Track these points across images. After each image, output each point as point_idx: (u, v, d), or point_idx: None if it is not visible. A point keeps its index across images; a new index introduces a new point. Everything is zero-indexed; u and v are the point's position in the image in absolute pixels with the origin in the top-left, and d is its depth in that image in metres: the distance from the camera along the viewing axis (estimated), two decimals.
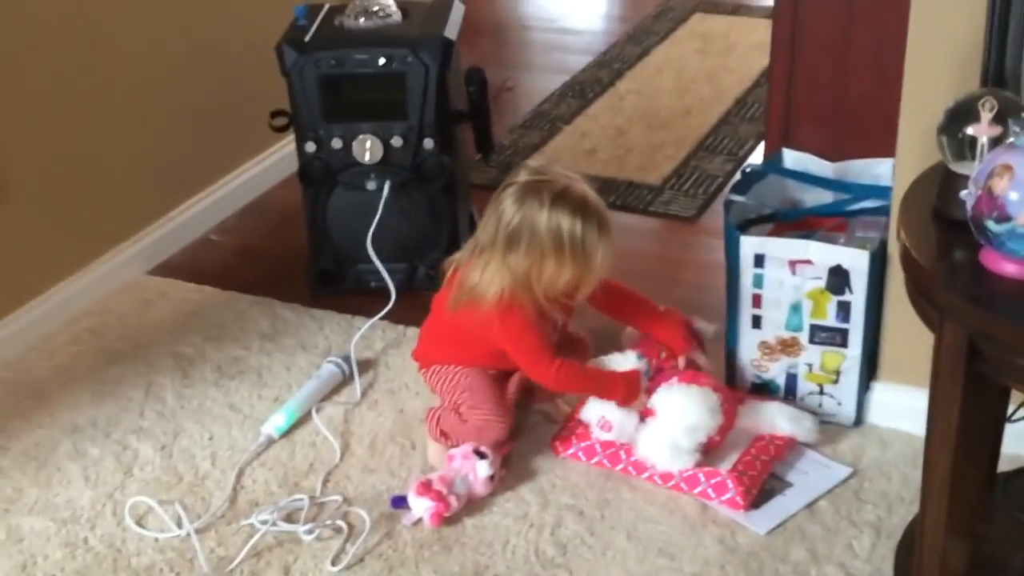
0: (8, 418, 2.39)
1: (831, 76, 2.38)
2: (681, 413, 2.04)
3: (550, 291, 2.08)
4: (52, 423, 2.37)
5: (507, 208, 2.05)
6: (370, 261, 2.64)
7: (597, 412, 2.13)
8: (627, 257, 2.90)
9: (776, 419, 2.15)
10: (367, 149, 2.62)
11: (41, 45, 2.54)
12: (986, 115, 1.59)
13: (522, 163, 2.34)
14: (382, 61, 2.59)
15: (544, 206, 2.02)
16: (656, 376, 2.13)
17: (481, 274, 2.08)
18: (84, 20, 2.63)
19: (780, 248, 2.14)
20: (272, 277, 2.84)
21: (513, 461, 2.18)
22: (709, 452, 2.09)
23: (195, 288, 2.81)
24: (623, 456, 2.14)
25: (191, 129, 2.97)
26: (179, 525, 2.09)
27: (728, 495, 2.03)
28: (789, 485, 2.08)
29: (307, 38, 2.63)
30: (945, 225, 1.63)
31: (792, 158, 2.37)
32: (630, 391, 2.11)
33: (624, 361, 2.17)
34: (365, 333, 2.55)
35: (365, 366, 2.49)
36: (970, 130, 1.62)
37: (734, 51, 4.00)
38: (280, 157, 3.20)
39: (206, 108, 3.00)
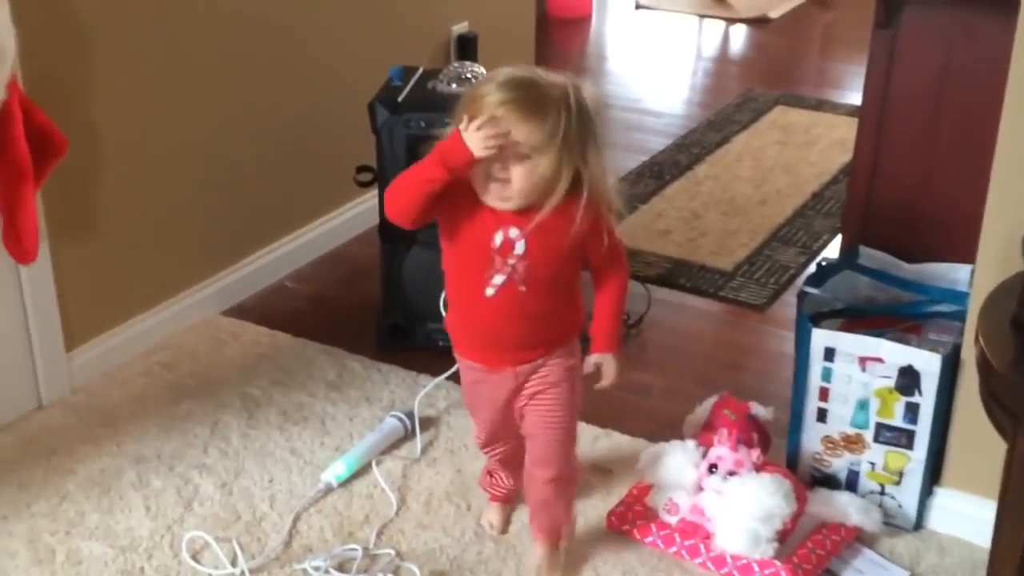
0: (78, 442, 2.44)
1: (914, 177, 2.39)
2: (757, 502, 2.03)
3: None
4: (119, 451, 2.42)
5: None
6: (440, 320, 2.68)
7: (663, 496, 2.13)
8: (693, 340, 2.93)
9: (847, 508, 2.14)
10: None
11: (139, 87, 2.64)
12: None
13: None
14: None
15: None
16: (719, 464, 2.13)
17: None
18: (180, 64, 2.73)
19: (852, 344, 2.15)
20: (342, 328, 2.89)
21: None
22: (784, 540, 2.07)
23: (267, 332, 2.87)
24: (677, 539, 2.13)
25: (277, 177, 3.06)
26: (233, 563, 2.12)
27: None
28: None
29: (400, 98, 2.70)
30: None
31: (868, 255, 2.38)
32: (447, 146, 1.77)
33: (682, 450, 2.17)
34: (430, 391, 2.58)
35: (427, 423, 2.52)
36: None
37: (815, 145, 4.03)
38: (360, 211, 3.27)
39: (293, 158, 3.08)
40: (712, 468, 2.12)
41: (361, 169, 2.80)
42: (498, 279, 1.84)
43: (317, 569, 2.09)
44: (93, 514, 2.24)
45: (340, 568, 2.11)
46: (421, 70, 2.84)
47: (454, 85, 2.74)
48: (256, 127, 2.97)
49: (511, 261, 1.83)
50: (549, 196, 1.78)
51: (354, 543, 2.17)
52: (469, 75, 2.75)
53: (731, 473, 2.10)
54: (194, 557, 2.13)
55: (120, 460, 2.39)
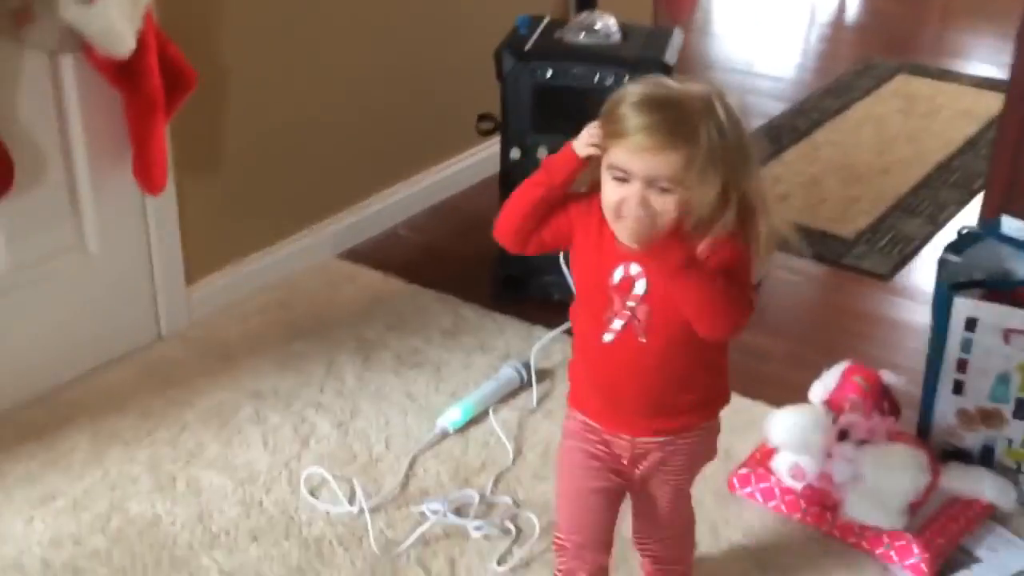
0: (196, 375, 2.46)
1: None
2: (890, 472, 1.97)
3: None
4: (236, 386, 2.43)
5: None
6: (556, 273, 2.64)
7: (788, 460, 2.08)
8: (814, 307, 2.86)
9: (980, 484, 2.07)
10: None
11: (268, 25, 2.62)
12: None
13: None
14: (598, 77, 2.59)
15: None
16: (851, 431, 2.07)
17: None
18: (310, 3, 2.71)
19: (997, 314, 2.06)
20: (457, 276, 2.86)
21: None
22: (915, 512, 2.01)
23: (381, 277, 2.86)
24: (802, 504, 2.08)
25: (398, 122, 3.03)
26: (351, 502, 2.11)
27: (913, 560, 1.95)
28: (977, 560, 1.99)
29: (527, 47, 2.65)
30: None
31: (1012, 225, 2.28)
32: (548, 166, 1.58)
33: (811, 415, 2.10)
34: (545, 344, 2.55)
35: (542, 375, 2.49)
36: None
37: (939, 115, 3.90)
38: (479, 160, 3.23)
39: (415, 103, 3.06)
40: (843, 435, 2.06)
41: (483, 117, 2.76)
42: (616, 323, 1.57)
43: (435, 512, 2.08)
44: (212, 445, 2.26)
45: (457, 512, 2.09)
46: (547, 19, 2.79)
47: (582, 35, 2.69)
48: (381, 70, 2.94)
49: (630, 303, 1.55)
50: (690, 230, 1.50)
51: (471, 489, 2.15)
52: (599, 26, 2.69)
53: (863, 441, 2.04)
54: (312, 493, 2.13)
55: (237, 394, 2.40)
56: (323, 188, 2.90)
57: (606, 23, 2.70)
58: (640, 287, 1.55)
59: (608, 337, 1.57)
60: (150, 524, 2.06)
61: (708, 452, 1.73)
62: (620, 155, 1.47)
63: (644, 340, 1.56)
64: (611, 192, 1.49)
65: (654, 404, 1.61)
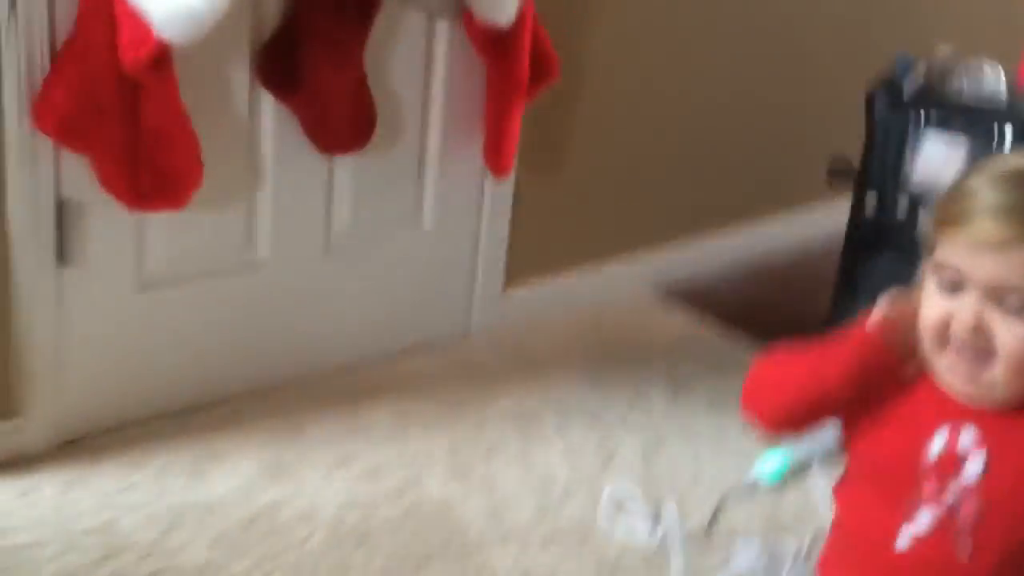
0: (502, 376, 2.37)
1: None
2: None
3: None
4: (541, 394, 2.32)
5: None
6: None
7: None
8: None
9: None
10: None
11: (634, 36, 2.54)
12: None
13: None
14: (996, 136, 2.34)
15: None
16: None
17: None
18: (678, 22, 2.63)
19: None
20: (780, 329, 2.64)
21: None
22: None
23: (697, 318, 2.70)
24: None
25: (743, 159, 2.89)
26: (652, 530, 1.93)
27: None
28: None
29: (907, 91, 2.45)
30: None
31: None
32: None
33: None
34: None
35: None
36: None
37: None
38: (823, 210, 3.00)
39: (764, 141, 2.91)
40: None
41: (835, 165, 2.57)
42: (923, 518, 1.05)
43: (746, 559, 1.87)
44: (512, 445, 2.14)
45: (769, 559, 1.88)
46: (931, 62, 2.56)
47: (967, 85, 2.44)
48: (736, 101, 2.81)
49: (953, 490, 1.05)
50: None
51: (782, 543, 1.93)
52: (985, 76, 2.45)
53: None
54: (612, 514, 1.97)
55: (542, 402, 2.29)
56: (651, 216, 2.78)
57: (993, 73, 2.46)
58: (973, 467, 1.03)
59: (902, 544, 1.05)
60: (443, 507, 1.95)
61: None
62: (954, 250, 1.03)
63: (965, 553, 1.03)
64: (934, 307, 1.04)
65: None
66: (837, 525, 1.17)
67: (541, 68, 2.24)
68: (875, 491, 1.09)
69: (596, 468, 2.10)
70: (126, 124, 1.77)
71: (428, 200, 2.31)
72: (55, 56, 1.75)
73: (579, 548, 1.89)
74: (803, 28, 2.89)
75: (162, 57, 1.72)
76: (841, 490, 1.16)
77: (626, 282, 2.75)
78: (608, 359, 2.48)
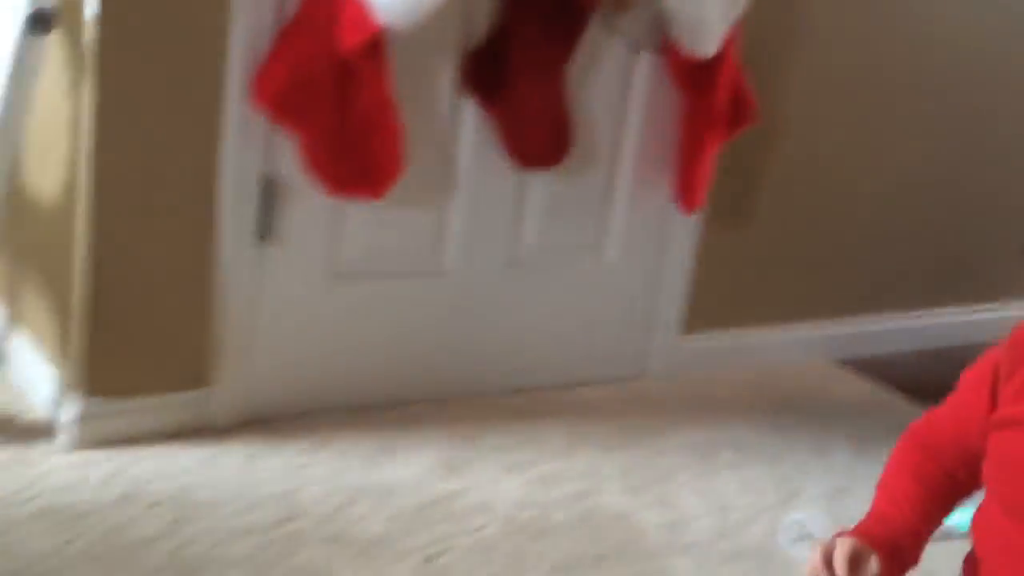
0: (677, 413, 2.34)
1: None
2: None
3: None
4: (718, 432, 2.28)
5: None
6: None
7: None
8: None
9: None
10: None
11: (834, 93, 2.53)
12: None
13: None
14: None
15: None
16: None
17: None
18: (880, 106, 2.62)
19: None
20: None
21: None
22: None
23: (873, 389, 2.62)
24: None
25: (935, 236, 2.83)
26: None
27: None
28: None
29: None
30: None
31: None
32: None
33: None
34: None
35: None
36: None
37: None
38: (1012, 305, 2.92)
39: (957, 223, 2.85)
40: None
41: None
42: None
43: None
44: (687, 472, 2.09)
45: None
46: None
47: None
48: (929, 179, 2.77)
49: None
50: None
51: None
52: None
53: None
54: (793, 538, 1.89)
55: (719, 439, 2.25)
56: (836, 286, 2.72)
57: None
58: None
59: None
60: (619, 516, 1.90)
61: None
62: None
63: None
64: None
65: None
66: (969, 559, 1.12)
67: (739, 110, 2.24)
68: (1002, 508, 1.02)
69: (777, 502, 2.02)
70: (337, 106, 1.83)
71: (613, 231, 2.32)
72: (279, 32, 1.82)
73: (763, 567, 1.80)
74: (1008, 118, 2.84)
75: (378, 42, 1.79)
76: (975, 518, 1.11)
77: (804, 347, 2.68)
78: (788, 411, 2.42)
